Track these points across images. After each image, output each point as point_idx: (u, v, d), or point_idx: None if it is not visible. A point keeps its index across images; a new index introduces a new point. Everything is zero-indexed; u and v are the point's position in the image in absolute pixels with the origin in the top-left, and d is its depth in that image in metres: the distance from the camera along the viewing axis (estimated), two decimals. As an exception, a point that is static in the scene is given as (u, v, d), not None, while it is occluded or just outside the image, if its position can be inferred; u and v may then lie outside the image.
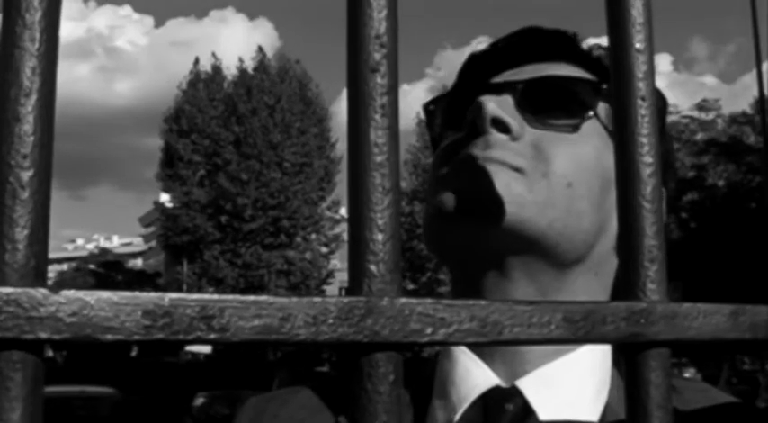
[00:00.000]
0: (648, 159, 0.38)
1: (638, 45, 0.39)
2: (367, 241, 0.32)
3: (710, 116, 32.01)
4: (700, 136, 31.13)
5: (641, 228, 0.38)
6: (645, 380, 0.36)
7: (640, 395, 0.36)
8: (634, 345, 0.37)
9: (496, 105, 0.83)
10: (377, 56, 0.34)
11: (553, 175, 0.81)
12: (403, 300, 0.32)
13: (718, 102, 32.25)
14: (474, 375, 0.80)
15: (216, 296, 0.30)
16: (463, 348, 0.83)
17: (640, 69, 0.39)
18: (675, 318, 0.37)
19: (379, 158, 0.33)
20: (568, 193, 0.81)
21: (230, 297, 0.30)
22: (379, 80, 0.33)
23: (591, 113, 0.86)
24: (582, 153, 0.83)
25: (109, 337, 0.29)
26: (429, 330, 0.32)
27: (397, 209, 0.33)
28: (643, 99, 0.38)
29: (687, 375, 25.87)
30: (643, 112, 0.38)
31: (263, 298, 0.30)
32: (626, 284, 0.38)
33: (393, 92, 0.34)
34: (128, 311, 0.29)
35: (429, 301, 0.33)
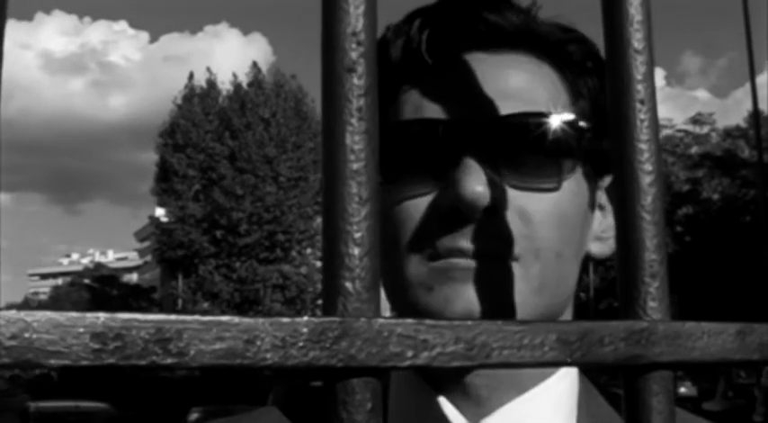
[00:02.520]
0: (648, 167, 0.35)
1: (636, 44, 0.36)
2: (342, 256, 0.30)
3: (705, 130, 32.13)
4: (694, 149, 31.23)
5: (641, 240, 0.35)
6: (646, 405, 0.34)
7: (641, 422, 0.33)
8: (634, 367, 0.34)
9: (480, 176, 0.70)
10: (353, 55, 0.31)
11: (544, 252, 0.72)
12: (381, 320, 0.29)
13: (713, 115, 32.39)
14: (437, 414, 0.75)
15: (173, 316, 0.27)
16: (424, 384, 0.76)
17: (639, 70, 0.36)
18: (678, 338, 0.34)
19: (355, 166, 0.30)
20: (558, 266, 0.73)
21: (189, 318, 0.27)
22: (355, 81, 0.31)
23: (572, 163, 0.74)
24: (564, 210, 0.74)
25: (52, 361, 0.26)
26: (410, 353, 0.29)
27: (375, 220, 0.30)
28: (642, 102, 0.36)
29: (683, 390, 25.82)
30: (642, 116, 0.36)
31: (225, 318, 0.28)
32: (625, 302, 0.35)
33: (371, 93, 0.31)
34: (74, 334, 0.26)
35: (410, 321, 0.30)
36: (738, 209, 26.95)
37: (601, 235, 0.80)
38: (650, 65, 0.36)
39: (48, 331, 0.26)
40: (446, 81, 0.76)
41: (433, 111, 0.74)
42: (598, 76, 0.80)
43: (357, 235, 0.30)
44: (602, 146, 0.75)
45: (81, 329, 0.26)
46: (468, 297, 0.70)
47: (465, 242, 0.71)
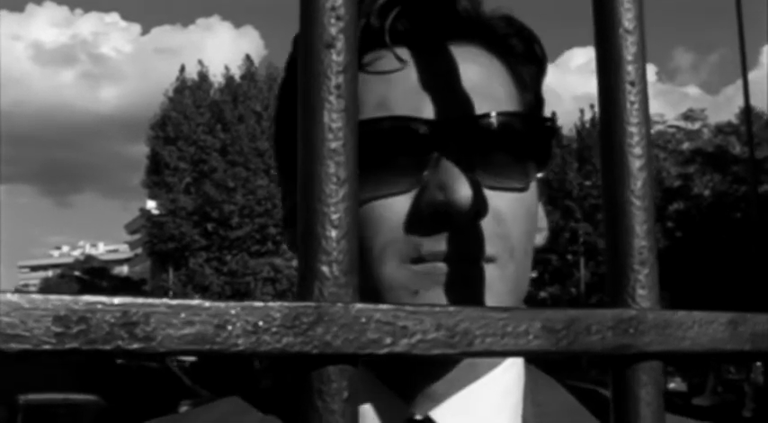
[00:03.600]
0: (638, 151, 0.34)
1: (626, 24, 0.35)
2: (319, 238, 0.28)
3: (696, 126, 32.21)
4: (686, 145, 31.30)
5: (630, 226, 0.34)
6: (635, 397, 0.32)
7: (629, 415, 0.32)
8: (622, 357, 0.33)
9: (465, 179, 0.69)
10: (332, 30, 0.30)
11: (517, 252, 0.73)
12: (359, 305, 0.28)
13: (704, 111, 32.47)
14: (387, 406, 0.74)
15: (140, 300, 0.26)
16: (375, 378, 0.75)
17: (629, 51, 0.35)
18: (668, 327, 0.33)
19: (333, 145, 0.29)
20: (526, 261, 0.74)
21: (157, 301, 0.26)
22: (334, 57, 0.30)
23: (536, 162, 0.75)
24: (529, 207, 0.75)
25: (13, 346, 0.25)
26: (389, 340, 0.28)
27: (354, 202, 0.29)
28: (632, 84, 0.35)
29: (673, 385, 25.89)
30: (632, 98, 0.34)
31: (195, 302, 0.26)
32: (613, 290, 0.34)
33: (350, 70, 0.30)
34: (36, 317, 0.25)
35: (389, 306, 0.29)
36: (729, 205, 27.01)
37: (538, 226, 0.80)
38: (641, 45, 0.35)
39: (8, 314, 0.25)
40: (411, 73, 0.73)
41: (402, 107, 0.72)
42: (537, 66, 0.80)
43: (334, 217, 0.29)
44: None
45: (43, 312, 0.25)
46: (455, 300, 0.69)
47: (450, 245, 0.69)
